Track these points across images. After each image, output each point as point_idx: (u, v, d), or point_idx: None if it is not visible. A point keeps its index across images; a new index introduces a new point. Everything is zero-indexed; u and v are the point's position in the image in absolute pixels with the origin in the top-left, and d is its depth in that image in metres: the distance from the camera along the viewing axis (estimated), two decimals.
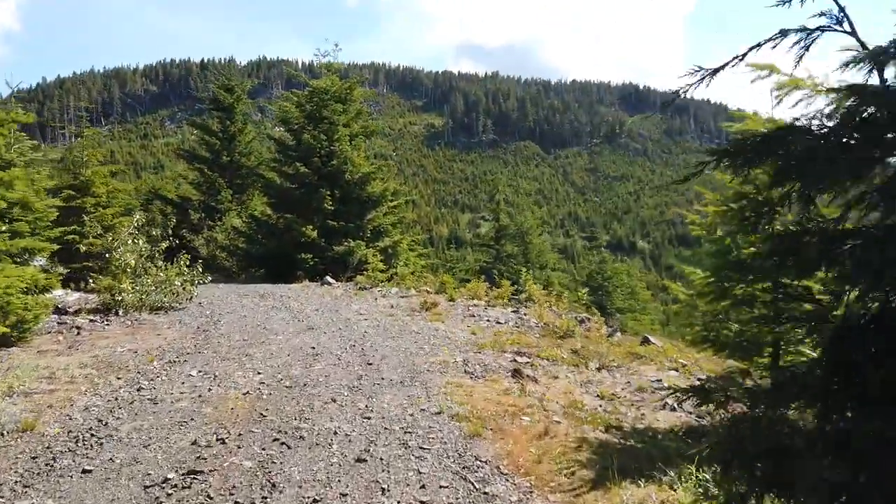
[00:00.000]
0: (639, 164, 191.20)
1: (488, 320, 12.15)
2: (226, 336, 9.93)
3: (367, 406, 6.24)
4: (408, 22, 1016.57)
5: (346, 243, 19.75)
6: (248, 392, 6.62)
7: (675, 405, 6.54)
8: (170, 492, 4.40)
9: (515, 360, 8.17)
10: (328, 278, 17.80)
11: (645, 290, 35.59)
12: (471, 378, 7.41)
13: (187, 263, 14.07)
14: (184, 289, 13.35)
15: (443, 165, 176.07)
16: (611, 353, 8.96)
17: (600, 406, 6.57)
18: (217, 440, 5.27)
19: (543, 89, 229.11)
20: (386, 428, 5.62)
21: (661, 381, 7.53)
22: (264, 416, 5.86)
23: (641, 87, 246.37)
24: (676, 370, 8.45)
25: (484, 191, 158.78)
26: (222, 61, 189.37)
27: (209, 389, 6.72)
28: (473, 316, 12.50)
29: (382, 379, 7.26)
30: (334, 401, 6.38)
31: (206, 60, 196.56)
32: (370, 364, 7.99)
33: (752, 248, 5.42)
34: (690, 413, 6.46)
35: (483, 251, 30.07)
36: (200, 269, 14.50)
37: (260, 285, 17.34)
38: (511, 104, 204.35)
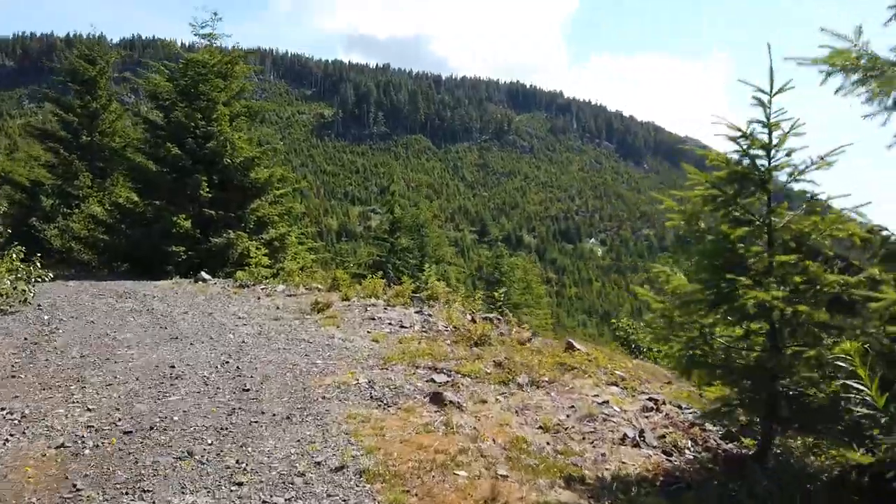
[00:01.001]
0: (526, 160, 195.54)
1: (391, 324, 10.51)
2: (60, 351, 7.70)
3: (238, 462, 4.43)
4: (295, 7, 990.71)
5: (225, 235, 17.44)
6: (62, 445, 4.62)
7: (637, 438, 5.21)
8: None
9: (433, 380, 6.58)
10: (203, 274, 15.48)
11: (539, 285, 35.16)
12: (380, 407, 5.76)
13: (21, 257, 11.51)
14: (15, 288, 10.81)
15: (333, 157, 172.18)
16: (538, 365, 7.58)
17: (548, 444, 5.10)
18: None
19: (434, 84, 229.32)
20: (265, 502, 3.86)
21: (607, 402, 6.20)
22: (77, 492, 3.93)
23: (528, 85, 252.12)
24: (616, 385, 7.18)
25: (375, 183, 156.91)
26: (91, 37, 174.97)
27: (4, 442, 4.66)
28: (373, 319, 10.82)
29: (263, 413, 5.45)
30: (192, 455, 4.51)
31: (72, 35, 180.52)
32: (247, 390, 6.13)
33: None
34: (655, 447, 5.16)
35: (377, 244, 28.34)
36: (39, 264, 11.92)
37: (122, 282, 14.76)
38: (402, 97, 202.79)
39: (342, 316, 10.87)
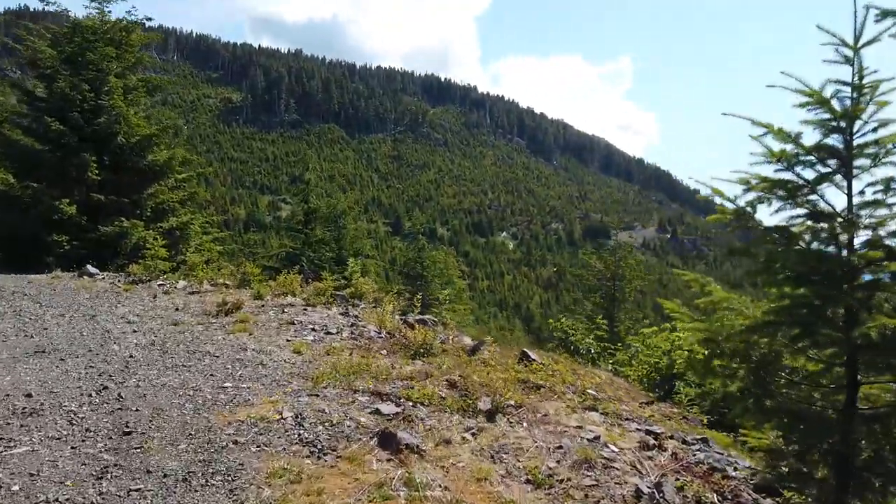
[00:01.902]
0: (440, 153, 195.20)
1: (314, 329, 9.02)
2: None
3: None
4: None
5: (117, 223, 15.28)
6: None
7: (655, 495, 4.04)
8: None
9: (378, 411, 5.19)
10: (90, 267, 13.32)
11: (460, 280, 34.15)
12: (313, 455, 4.32)
13: None
14: None
15: (241, 143, 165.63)
16: (499, 384, 6.33)
17: None
18: None
19: (348, 72, 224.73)
20: None
21: (598, 438, 5.02)
22: None
23: (443, 79, 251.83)
24: (595, 409, 6.05)
25: (286, 172, 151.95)
26: None
27: None
28: (293, 323, 9.27)
29: (149, 473, 3.88)
30: None
31: None
32: (129, 433, 4.53)
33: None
34: None
35: (290, 236, 26.38)
36: None
37: None
38: (315, 85, 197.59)
39: (255, 319, 9.27)
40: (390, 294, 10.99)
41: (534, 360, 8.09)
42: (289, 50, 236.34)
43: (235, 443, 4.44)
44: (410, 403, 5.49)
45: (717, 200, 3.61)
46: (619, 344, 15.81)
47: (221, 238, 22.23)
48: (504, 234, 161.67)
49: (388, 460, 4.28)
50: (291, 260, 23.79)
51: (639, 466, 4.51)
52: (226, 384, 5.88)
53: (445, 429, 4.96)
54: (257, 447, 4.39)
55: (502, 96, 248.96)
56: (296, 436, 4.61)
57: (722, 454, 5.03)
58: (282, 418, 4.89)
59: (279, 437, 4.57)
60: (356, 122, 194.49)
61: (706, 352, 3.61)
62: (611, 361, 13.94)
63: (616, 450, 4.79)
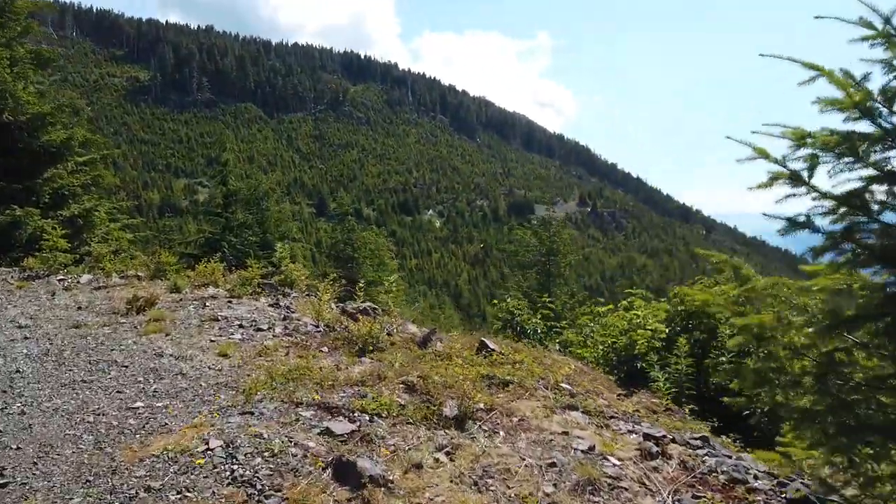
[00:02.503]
0: (362, 132, 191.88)
1: (241, 325, 7.94)
2: None
3: None
4: None
5: (8, 211, 13.58)
6: None
7: None
8: None
9: (329, 431, 4.24)
10: None
11: (392, 260, 33.16)
12: (251, 499, 3.37)
13: None
14: None
15: (151, 124, 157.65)
16: (463, 383, 5.50)
17: None
18: None
19: (263, 49, 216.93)
20: None
21: (592, 448, 4.26)
22: None
23: (363, 56, 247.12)
24: (576, 408, 5.31)
25: (201, 154, 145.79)
26: None
27: None
28: (217, 319, 8.16)
29: None
30: None
31: None
32: (4, 484, 3.45)
33: None
34: None
35: (209, 220, 24.66)
36: None
37: None
38: (229, 62, 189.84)
39: (172, 317, 8.11)
40: (326, 281, 9.96)
41: (493, 349, 7.30)
42: (199, 26, 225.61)
43: (148, 490, 3.42)
44: (366, 417, 4.58)
45: (764, 166, 2.87)
46: (564, 322, 15.30)
47: (133, 225, 20.44)
48: (430, 212, 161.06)
49: (349, 500, 3.38)
50: (212, 246, 22.21)
51: (647, 482, 3.79)
52: (137, 404, 4.80)
53: (413, 448, 4.09)
54: (178, 494, 3.39)
55: (424, 74, 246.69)
56: (227, 473, 3.63)
57: (730, 457, 4.41)
58: (208, 449, 3.88)
59: (206, 477, 3.58)
60: (274, 101, 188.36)
61: (760, 353, 2.89)
62: (557, 341, 13.40)
63: (617, 463, 4.05)
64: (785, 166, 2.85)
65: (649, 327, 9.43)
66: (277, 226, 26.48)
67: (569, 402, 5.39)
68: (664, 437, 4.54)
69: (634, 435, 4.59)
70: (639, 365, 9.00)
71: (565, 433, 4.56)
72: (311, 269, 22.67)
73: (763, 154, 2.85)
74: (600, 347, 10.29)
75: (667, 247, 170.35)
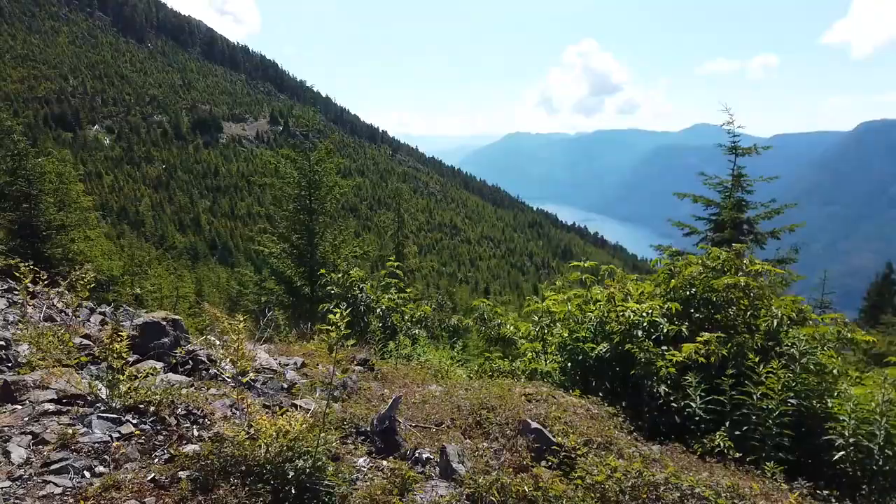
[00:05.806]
0: None
1: None
2: None
3: None
4: None
5: None
6: None
7: None
8: None
9: None
10: None
11: (87, 197, 25.96)
12: None
13: None
14: None
15: None
16: None
17: None
18: None
19: None
20: None
21: None
22: None
23: None
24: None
25: None
26: None
27: None
28: None
29: None
30: None
31: None
32: None
33: None
34: None
35: None
36: None
37: None
38: None
39: None
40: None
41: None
42: None
43: None
44: None
45: None
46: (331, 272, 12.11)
47: None
48: (97, 127, 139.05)
49: None
50: None
51: None
52: None
53: None
54: None
55: None
56: None
57: None
58: None
59: None
60: None
61: None
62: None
63: None
64: None
65: (643, 320, 6.92)
66: None
67: None
68: None
69: None
70: (658, 390, 6.33)
71: None
72: None
73: None
74: (563, 355, 7.63)
75: (359, 167, 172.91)
